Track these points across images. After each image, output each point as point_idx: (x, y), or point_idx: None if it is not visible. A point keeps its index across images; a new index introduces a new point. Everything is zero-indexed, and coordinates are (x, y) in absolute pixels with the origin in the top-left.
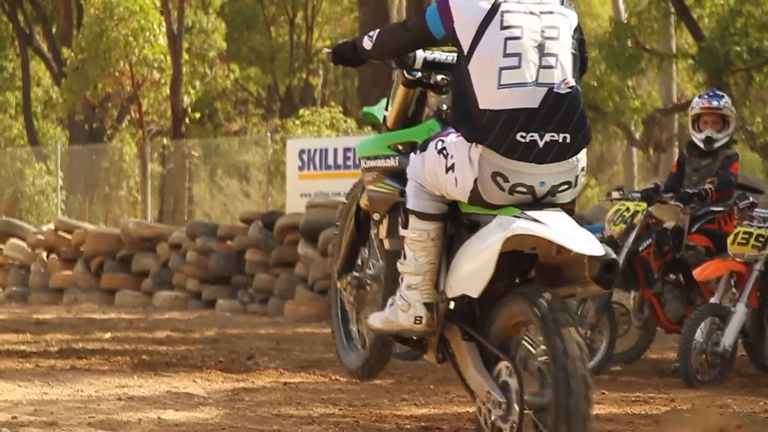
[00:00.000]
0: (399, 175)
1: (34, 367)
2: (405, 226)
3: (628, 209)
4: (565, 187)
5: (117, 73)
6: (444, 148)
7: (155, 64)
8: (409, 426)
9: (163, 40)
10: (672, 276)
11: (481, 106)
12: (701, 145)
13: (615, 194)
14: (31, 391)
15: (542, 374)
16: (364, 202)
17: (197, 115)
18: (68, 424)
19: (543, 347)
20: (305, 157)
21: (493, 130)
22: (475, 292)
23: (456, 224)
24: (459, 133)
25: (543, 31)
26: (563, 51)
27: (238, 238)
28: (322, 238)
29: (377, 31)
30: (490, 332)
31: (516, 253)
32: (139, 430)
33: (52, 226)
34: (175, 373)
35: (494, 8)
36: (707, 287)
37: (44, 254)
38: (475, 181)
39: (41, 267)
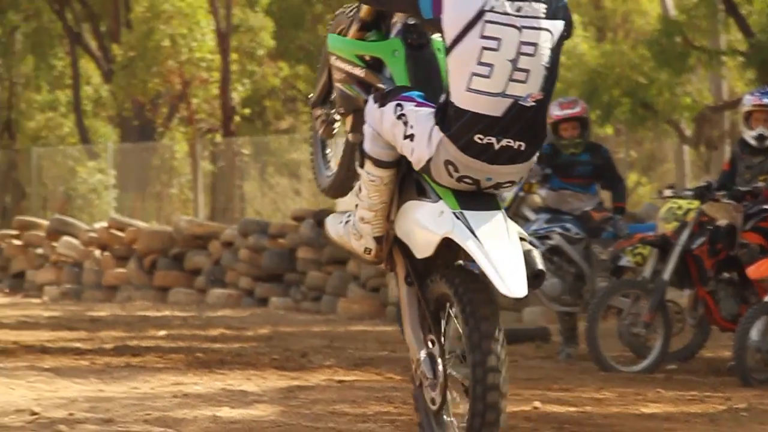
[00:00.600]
0: (364, 84)
1: (89, 365)
2: (361, 165)
3: (680, 207)
4: (509, 184)
5: (166, 72)
6: (403, 115)
7: (203, 63)
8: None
9: (211, 39)
10: (726, 274)
11: (451, 99)
12: (753, 142)
13: (667, 192)
14: (87, 388)
15: (462, 348)
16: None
17: (246, 111)
18: (124, 421)
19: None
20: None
21: (456, 125)
22: (419, 256)
23: (408, 167)
24: (420, 104)
25: (520, 46)
26: (536, 66)
27: (290, 236)
28: None
29: None
30: (428, 290)
31: None
32: (194, 427)
33: (104, 223)
34: (230, 371)
35: (479, 15)
36: (761, 285)
37: (97, 252)
38: (429, 160)
39: (94, 265)
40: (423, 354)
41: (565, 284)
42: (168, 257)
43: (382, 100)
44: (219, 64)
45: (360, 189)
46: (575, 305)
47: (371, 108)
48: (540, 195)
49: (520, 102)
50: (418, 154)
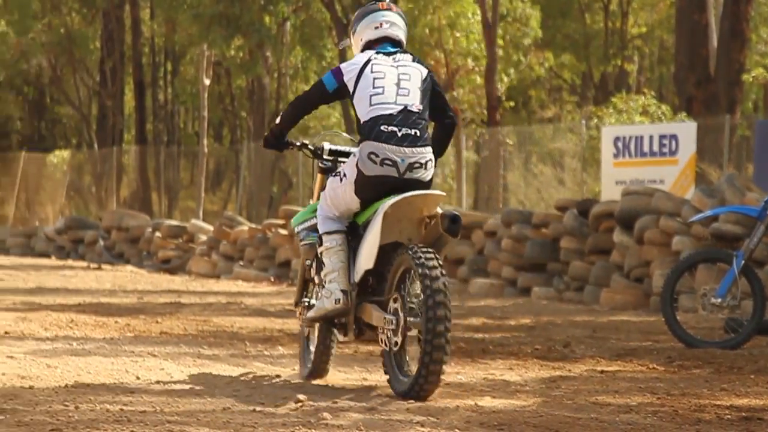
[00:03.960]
0: (316, 229)
1: (353, 353)
2: (320, 245)
3: None
4: (418, 166)
5: (432, 62)
6: (338, 172)
7: (470, 53)
8: (728, 416)
9: (477, 29)
10: None
11: (362, 120)
12: None
13: None
14: (351, 377)
15: (419, 304)
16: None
17: (511, 103)
18: (387, 410)
19: (418, 286)
20: (620, 144)
21: (368, 128)
22: (370, 264)
23: (355, 236)
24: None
25: (399, 75)
26: (413, 87)
27: (553, 226)
28: (638, 225)
29: (292, 104)
30: (384, 288)
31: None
32: (456, 416)
33: None
34: (492, 360)
35: (367, 62)
36: None
37: None
38: (357, 164)
39: None
40: (388, 314)
41: None
42: None
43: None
44: (485, 54)
45: (324, 264)
46: None
47: (321, 201)
48: None
49: (408, 107)
50: (349, 173)
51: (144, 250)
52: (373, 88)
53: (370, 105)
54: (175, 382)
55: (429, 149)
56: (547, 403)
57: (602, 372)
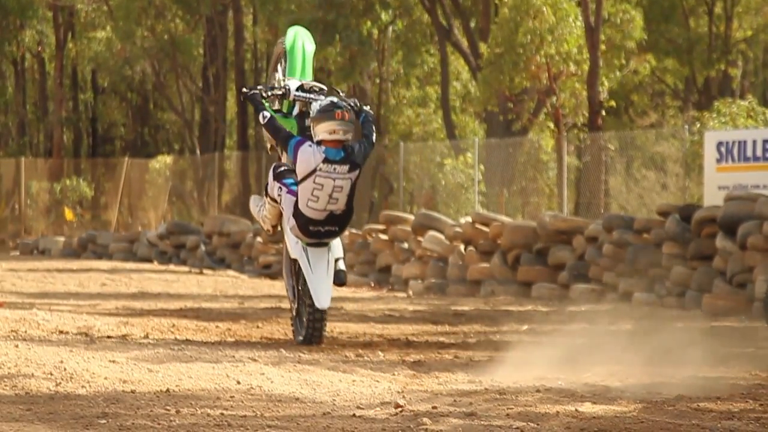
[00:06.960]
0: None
1: (452, 359)
2: (266, 196)
3: None
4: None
5: (533, 67)
6: (280, 195)
7: (572, 57)
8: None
9: (579, 33)
10: None
11: (299, 207)
12: None
13: None
14: (450, 382)
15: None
16: None
17: (612, 103)
18: (487, 416)
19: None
20: (723, 149)
21: (300, 220)
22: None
23: None
24: (289, 191)
25: (334, 188)
26: (342, 196)
27: (655, 231)
28: (741, 231)
29: (269, 119)
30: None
31: None
32: (556, 422)
33: (469, 218)
34: (592, 366)
35: (312, 172)
36: None
37: (462, 246)
38: (291, 228)
39: (459, 259)
40: (290, 288)
41: None
42: (531, 252)
43: (275, 175)
44: (587, 58)
45: (265, 204)
46: None
47: (270, 175)
48: None
49: (334, 212)
50: (285, 219)
51: (245, 255)
52: (312, 195)
53: (306, 206)
54: (275, 387)
55: (344, 232)
56: (647, 409)
57: (704, 378)
